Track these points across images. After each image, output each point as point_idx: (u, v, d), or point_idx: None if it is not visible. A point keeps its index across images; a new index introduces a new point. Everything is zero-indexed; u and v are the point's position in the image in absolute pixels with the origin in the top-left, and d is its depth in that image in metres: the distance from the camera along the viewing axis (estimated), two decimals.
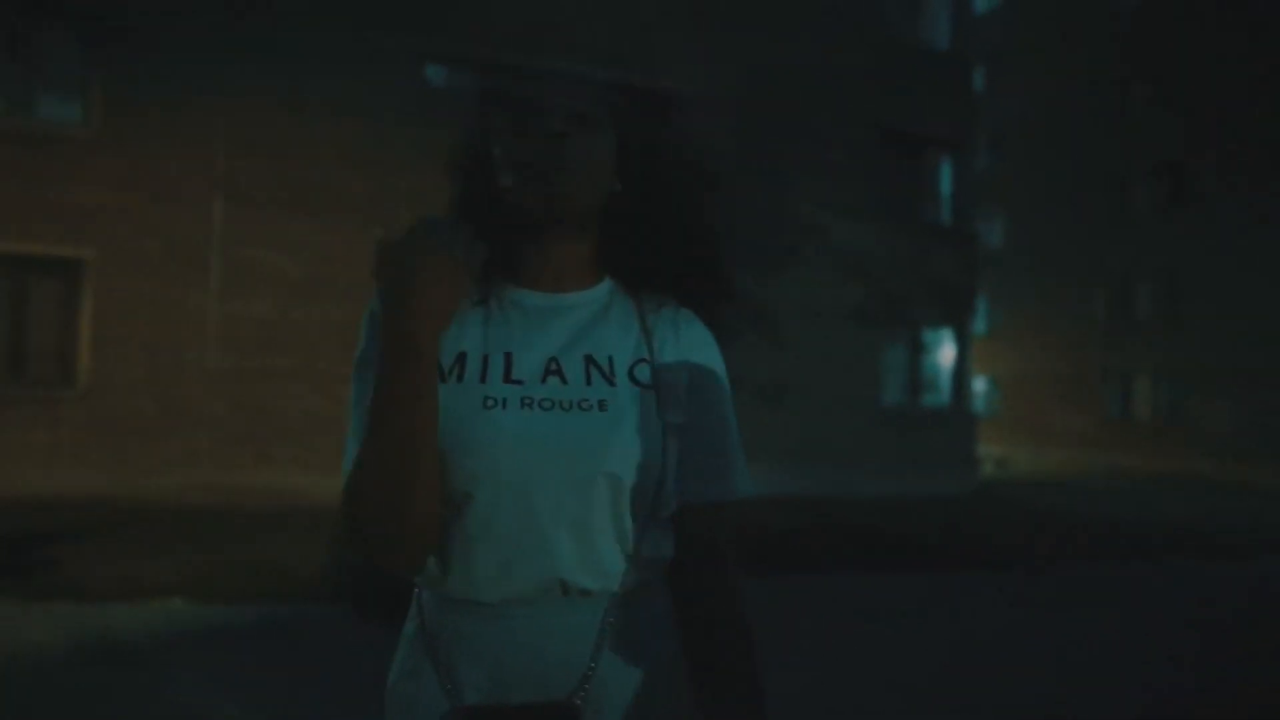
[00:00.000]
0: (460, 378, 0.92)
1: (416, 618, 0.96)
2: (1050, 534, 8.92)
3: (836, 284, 12.11)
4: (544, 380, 0.91)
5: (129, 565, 5.78)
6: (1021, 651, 4.63)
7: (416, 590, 0.97)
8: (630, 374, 0.94)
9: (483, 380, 0.91)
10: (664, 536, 0.97)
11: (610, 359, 0.94)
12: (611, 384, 0.93)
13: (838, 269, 12.13)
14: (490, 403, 0.90)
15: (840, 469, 11.83)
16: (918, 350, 13.13)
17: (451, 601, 0.92)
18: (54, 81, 9.33)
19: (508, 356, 0.93)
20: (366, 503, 0.85)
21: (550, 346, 0.94)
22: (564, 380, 0.92)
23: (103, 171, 9.11)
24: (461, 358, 0.93)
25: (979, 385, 25.02)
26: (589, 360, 0.94)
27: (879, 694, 3.86)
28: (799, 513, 9.80)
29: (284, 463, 9.31)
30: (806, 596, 5.80)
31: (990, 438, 22.78)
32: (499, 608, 0.90)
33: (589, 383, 0.92)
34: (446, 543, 0.91)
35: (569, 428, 0.89)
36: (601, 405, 0.91)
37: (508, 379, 0.91)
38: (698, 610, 0.97)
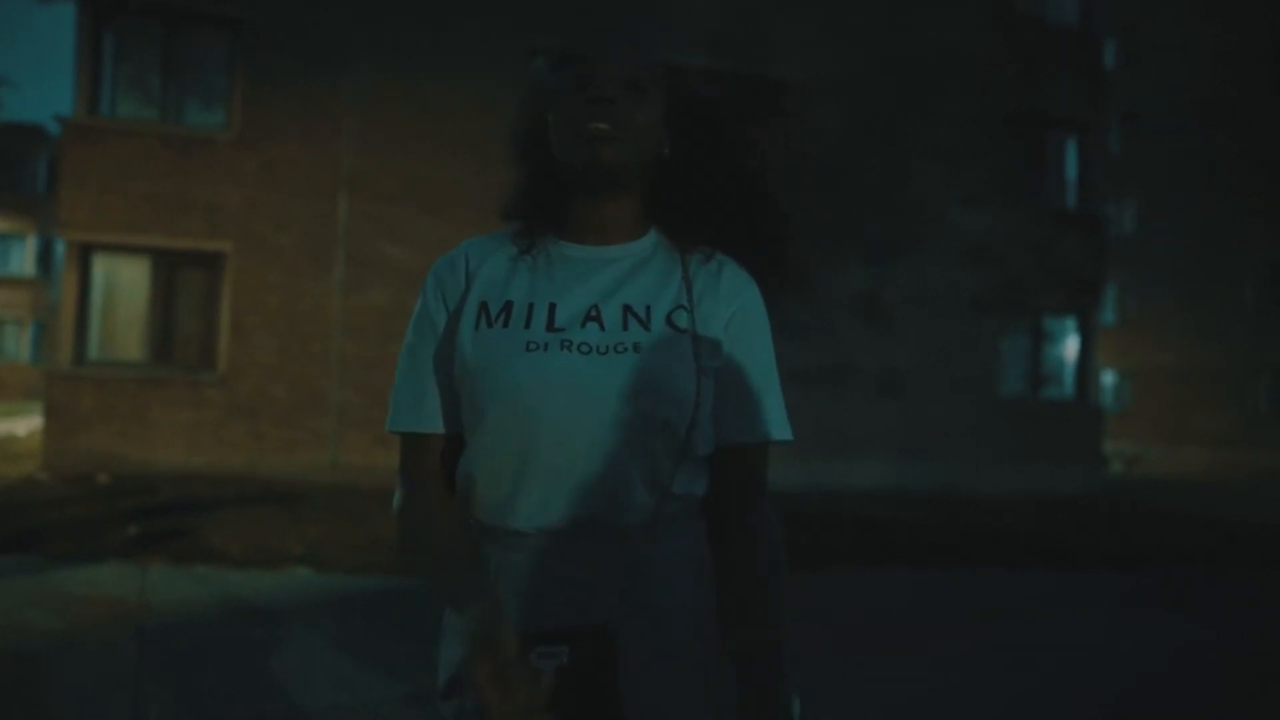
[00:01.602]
0: (506, 323, 0.98)
1: None
2: (1180, 536, 8.37)
3: (953, 270, 11.70)
4: (583, 326, 0.96)
5: (261, 536, 6.21)
6: (1130, 656, 4.39)
7: (468, 521, 1.02)
8: (668, 319, 0.98)
9: (526, 326, 0.97)
10: (698, 474, 1.00)
11: (648, 307, 0.98)
12: (646, 328, 0.96)
13: (955, 255, 11.71)
14: (532, 346, 0.95)
15: (954, 463, 11.44)
16: (1039, 340, 12.53)
17: (495, 531, 0.98)
18: (200, 90, 10.06)
19: (551, 306, 0.98)
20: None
21: (591, 296, 0.99)
22: (602, 327, 0.96)
23: (241, 171, 9.77)
24: (508, 306, 0.99)
25: (1107, 378, 23.61)
26: (627, 308, 0.98)
27: (971, 695, 3.75)
28: (907, 506, 9.55)
29: (399, 447, 9.75)
30: (909, 591, 5.67)
31: (1120, 435, 21.49)
32: (536, 537, 0.95)
33: (625, 328, 0.96)
34: (490, 477, 0.97)
35: (603, 369, 0.94)
36: (636, 348, 0.95)
37: (550, 328, 0.96)
38: (729, 546, 1.01)
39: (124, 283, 9.82)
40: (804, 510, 9.01)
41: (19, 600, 4.42)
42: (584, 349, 0.94)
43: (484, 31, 10.24)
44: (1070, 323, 12.72)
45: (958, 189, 11.73)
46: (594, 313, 0.97)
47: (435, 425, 1.03)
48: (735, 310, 1.01)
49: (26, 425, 16.06)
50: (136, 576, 5.01)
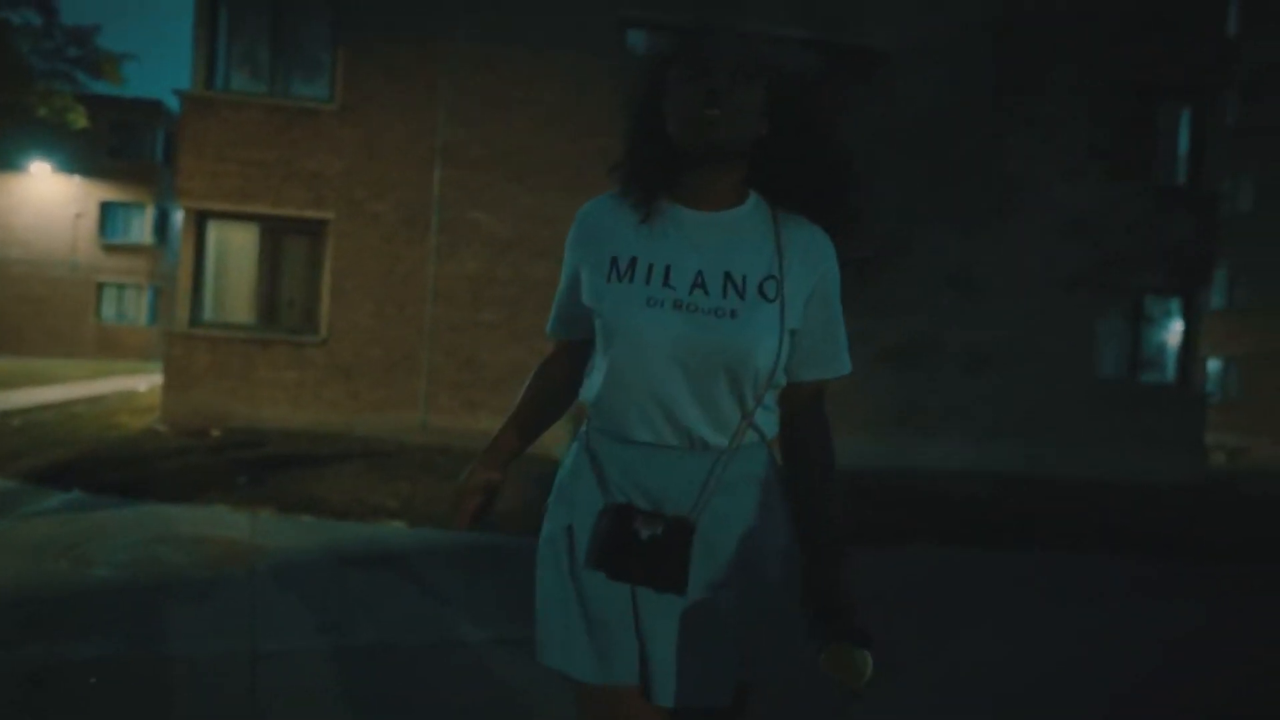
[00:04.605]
0: (631, 278, 1.22)
1: (582, 439, 1.30)
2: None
3: (1050, 246, 11.32)
4: (691, 291, 1.19)
5: (358, 490, 6.59)
6: (1196, 651, 4.29)
7: (585, 424, 1.31)
8: (760, 289, 1.20)
9: (647, 283, 1.20)
10: (771, 410, 1.26)
11: (744, 276, 1.20)
12: (742, 297, 1.19)
13: (1052, 230, 11.33)
14: (652, 302, 1.19)
15: (1043, 445, 11.15)
16: (1139, 321, 12.03)
17: (612, 436, 1.25)
18: (305, 63, 10.50)
19: (667, 267, 1.21)
20: None
21: (699, 261, 1.20)
22: (706, 292, 1.19)
23: (342, 141, 10.19)
24: (633, 261, 1.23)
25: (1213, 365, 22.39)
26: (727, 276, 1.20)
27: (1009, 683, 3.75)
28: (989, 487, 9.39)
29: (488, 409, 10.11)
30: (983, 571, 5.63)
31: (1226, 425, 20.43)
32: (645, 447, 1.22)
33: (725, 295, 1.19)
34: (613, 398, 1.23)
35: (705, 329, 1.18)
36: (733, 314, 1.18)
37: (665, 284, 1.20)
38: (798, 455, 1.26)
39: (235, 249, 10.41)
40: (881, 487, 8.97)
41: (149, 537, 4.84)
42: (691, 309, 1.18)
43: (574, 2, 10.35)
44: (1174, 305, 12.16)
45: (1058, 161, 11.31)
46: (700, 279, 1.19)
47: (573, 335, 1.38)
48: (819, 276, 1.24)
49: (146, 382, 17.23)
50: (248, 522, 5.41)
